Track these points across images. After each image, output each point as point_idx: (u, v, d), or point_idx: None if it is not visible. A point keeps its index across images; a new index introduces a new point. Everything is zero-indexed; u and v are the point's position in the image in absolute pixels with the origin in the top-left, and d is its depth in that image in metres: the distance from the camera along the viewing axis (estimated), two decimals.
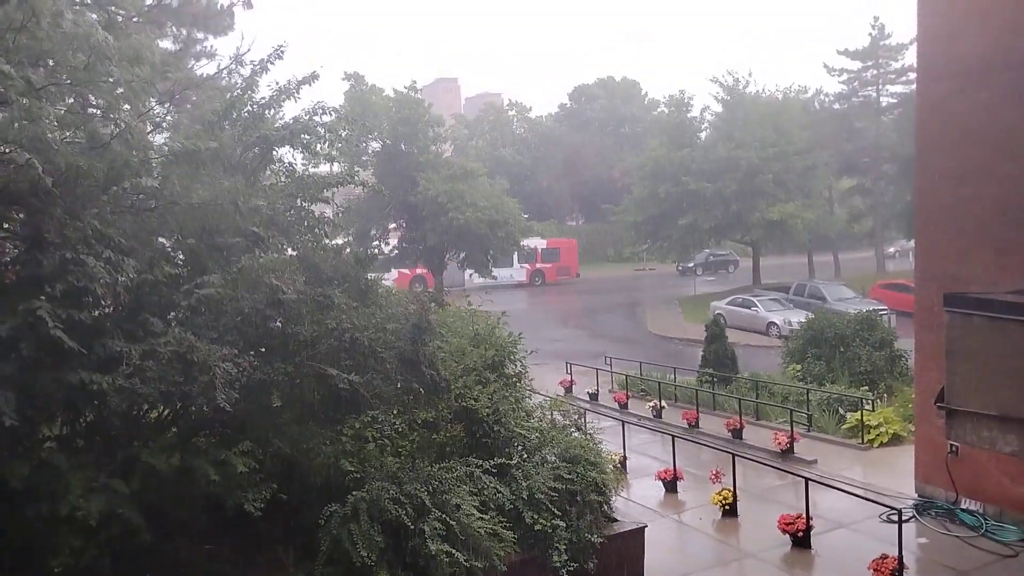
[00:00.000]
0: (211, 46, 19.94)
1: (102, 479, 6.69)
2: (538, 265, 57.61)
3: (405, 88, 43.30)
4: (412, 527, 7.87)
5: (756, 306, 37.36)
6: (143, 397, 6.63)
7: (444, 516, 8.04)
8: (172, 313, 7.58)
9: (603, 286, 58.60)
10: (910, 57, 48.65)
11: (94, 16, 12.13)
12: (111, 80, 7.45)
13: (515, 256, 52.40)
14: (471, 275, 45.44)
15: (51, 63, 7.63)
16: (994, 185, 11.44)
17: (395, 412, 8.84)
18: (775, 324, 35.30)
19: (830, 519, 12.16)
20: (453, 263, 44.72)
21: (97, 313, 7.15)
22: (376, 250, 38.55)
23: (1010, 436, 6.09)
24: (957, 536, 11.40)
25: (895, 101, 52.80)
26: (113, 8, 14.21)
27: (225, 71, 11.79)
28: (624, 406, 22.26)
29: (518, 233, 45.13)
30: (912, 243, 58.64)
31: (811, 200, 47.74)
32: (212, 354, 6.66)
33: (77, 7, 10.67)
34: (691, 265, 61.68)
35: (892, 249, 66.49)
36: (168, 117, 11.11)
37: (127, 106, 8.09)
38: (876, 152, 52.39)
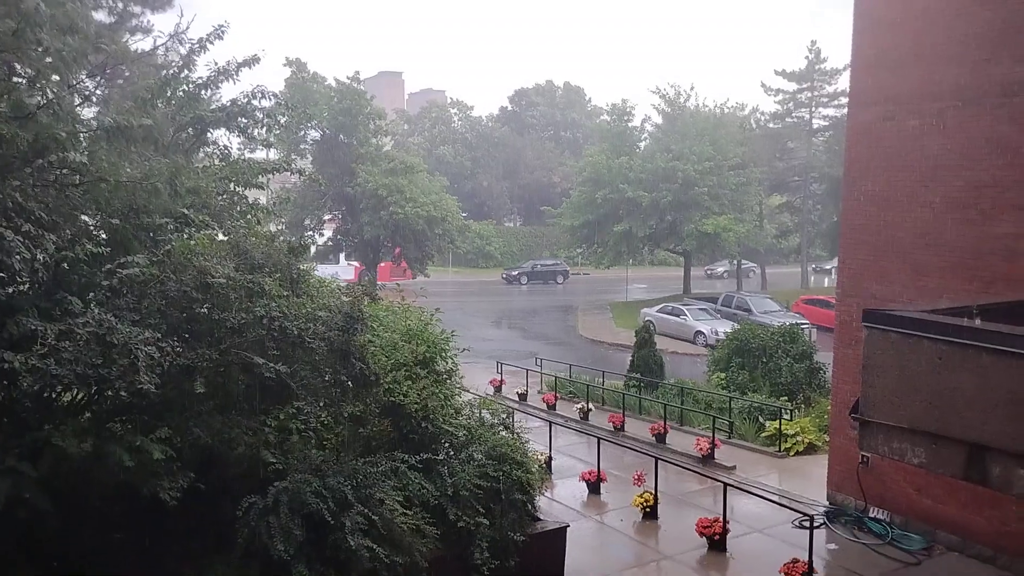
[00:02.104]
0: (148, 21, 19.30)
1: (9, 462, 6.41)
2: None
3: (348, 78, 42.82)
4: (333, 521, 7.76)
5: (685, 315, 38.08)
6: (57, 378, 6.38)
7: (367, 511, 7.95)
8: (92, 293, 7.31)
9: (535, 288, 58.94)
10: (843, 82, 50.41)
11: None
12: (40, 49, 7.15)
13: (342, 253, 47.10)
14: None
15: None
16: (915, 210, 11.93)
17: (322, 404, 8.72)
18: (702, 333, 36.04)
19: (746, 523, 12.48)
20: None
21: (11, 290, 6.86)
22: (311, 240, 37.57)
23: (919, 448, 6.33)
24: (865, 544, 11.84)
25: (826, 124, 54.62)
26: None
27: (162, 48, 11.45)
28: (552, 407, 22.42)
29: (455, 231, 45.01)
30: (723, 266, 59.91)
31: (743, 215, 49.03)
32: (133, 336, 6.45)
33: None
34: (515, 273, 61.56)
35: (721, 269, 65.83)
36: (99, 91, 10.73)
37: (56, 76, 7.78)
38: (806, 172, 54.13)
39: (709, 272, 65.08)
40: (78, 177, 7.53)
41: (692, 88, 61.61)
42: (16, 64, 7.93)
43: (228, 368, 7.72)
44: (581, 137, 78.59)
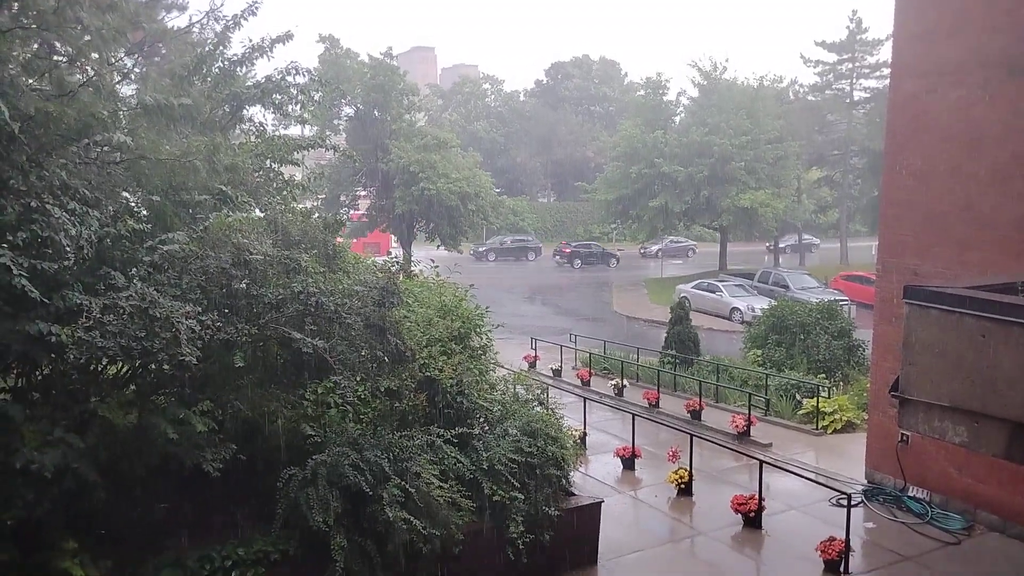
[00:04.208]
0: None
1: (57, 433, 6.59)
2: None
3: (381, 54, 42.75)
4: (371, 493, 7.88)
5: (721, 291, 37.76)
6: (103, 351, 6.53)
7: (403, 484, 8.06)
8: (134, 269, 7.46)
9: (570, 265, 58.71)
10: (885, 52, 49.20)
11: None
12: (80, 27, 7.25)
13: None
14: None
15: (16, 6, 7.39)
16: (959, 183, 11.64)
17: (358, 379, 8.81)
18: (738, 309, 35.73)
19: (782, 501, 12.42)
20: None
21: (57, 265, 7.02)
22: (346, 216, 37.57)
23: (960, 427, 6.23)
24: (903, 522, 11.71)
25: (867, 96, 53.34)
26: None
27: (197, 25, 11.53)
28: (586, 383, 22.44)
29: (489, 207, 44.95)
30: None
31: (781, 189, 48.23)
32: (175, 310, 6.57)
33: None
34: (483, 250, 59.00)
35: (655, 248, 61.70)
36: (136, 69, 10.85)
37: (95, 55, 7.88)
38: (846, 145, 53.05)
39: (643, 251, 61.83)
40: (119, 154, 7.65)
41: (728, 60, 60.14)
42: (56, 42, 8.06)
43: (267, 343, 7.86)
44: (615, 111, 77.80)
